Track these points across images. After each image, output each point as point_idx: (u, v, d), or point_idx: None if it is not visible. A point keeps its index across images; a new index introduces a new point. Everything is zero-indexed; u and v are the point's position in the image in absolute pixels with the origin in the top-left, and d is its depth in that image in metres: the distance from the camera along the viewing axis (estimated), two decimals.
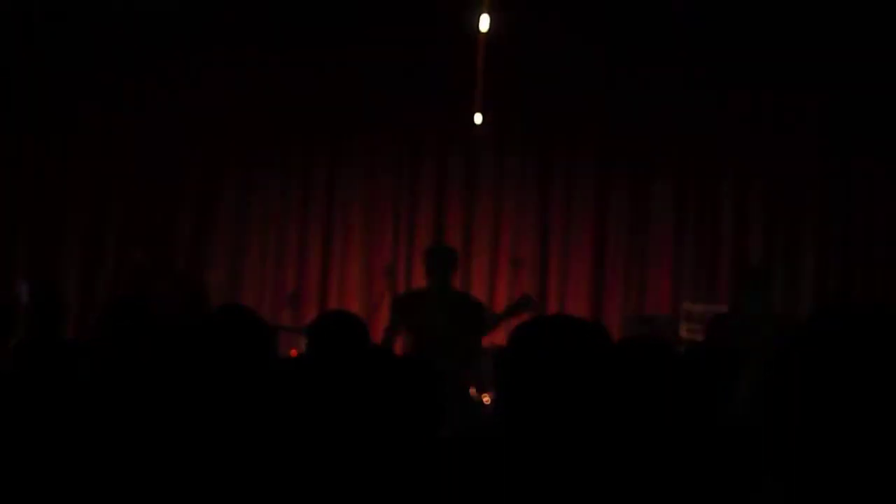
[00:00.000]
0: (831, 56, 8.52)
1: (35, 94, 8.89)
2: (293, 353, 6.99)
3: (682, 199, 9.08)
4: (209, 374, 2.77)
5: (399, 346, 7.04)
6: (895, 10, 8.20)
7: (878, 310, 1.96)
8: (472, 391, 6.59)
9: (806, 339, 2.08)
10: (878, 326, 1.91)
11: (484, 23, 7.14)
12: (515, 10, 7.91)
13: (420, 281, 7.81)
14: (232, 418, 2.74)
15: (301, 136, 9.21)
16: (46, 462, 3.03)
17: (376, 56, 8.80)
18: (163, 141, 9.05)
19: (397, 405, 2.89)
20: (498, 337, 7.03)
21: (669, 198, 9.06)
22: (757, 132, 8.95)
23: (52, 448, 3.07)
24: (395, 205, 9.27)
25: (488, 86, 7.95)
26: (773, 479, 1.95)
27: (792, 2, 8.52)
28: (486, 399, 6.51)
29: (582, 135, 9.13)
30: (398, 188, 9.28)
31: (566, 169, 9.18)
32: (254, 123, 9.06)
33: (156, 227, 8.45)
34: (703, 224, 9.06)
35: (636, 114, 8.91)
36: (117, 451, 2.82)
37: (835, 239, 8.94)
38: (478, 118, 8.41)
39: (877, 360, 1.90)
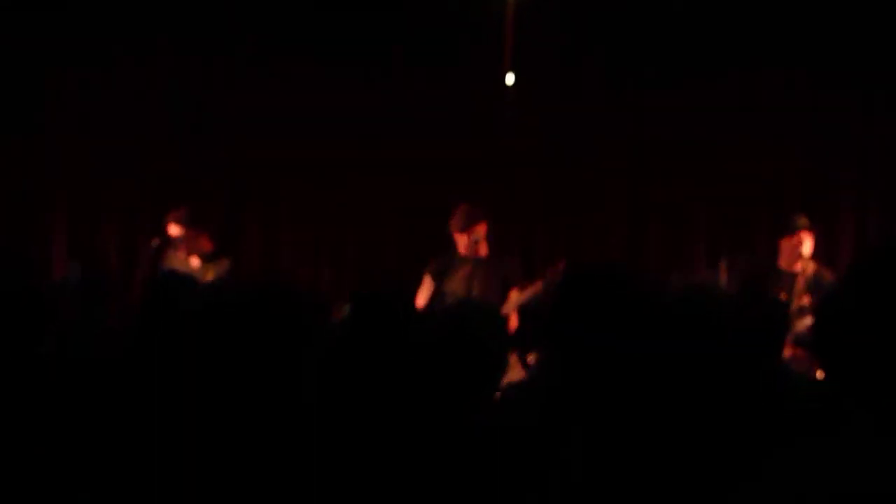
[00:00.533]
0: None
1: (69, 66, 8.95)
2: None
3: (719, 149, 9.00)
4: (257, 345, 2.77)
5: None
6: None
7: None
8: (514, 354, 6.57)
9: (853, 282, 2.04)
10: None
11: None
12: None
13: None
14: (281, 388, 2.74)
15: (332, 97, 9.20)
16: (97, 436, 3.05)
17: (407, 16, 8.79)
18: (197, 110, 9.09)
19: (461, 355, 2.83)
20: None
21: (707, 144, 8.98)
22: (796, 78, 8.86)
23: (101, 422, 3.09)
24: (428, 168, 9.24)
25: (519, 44, 7.93)
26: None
27: None
28: (531, 359, 6.50)
29: (616, 90, 9.05)
30: (430, 149, 9.24)
31: (601, 125, 9.11)
32: (288, 81, 9.06)
33: (191, 200, 8.45)
34: (740, 175, 8.99)
35: (671, 67, 8.85)
36: (165, 424, 2.83)
37: (874, 184, 8.86)
38: (510, 78, 8.38)
39: None
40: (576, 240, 9.14)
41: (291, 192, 9.30)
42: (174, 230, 7.73)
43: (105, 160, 9.07)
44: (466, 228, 6.98)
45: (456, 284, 6.97)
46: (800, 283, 6.92)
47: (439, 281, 7.09)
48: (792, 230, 7.14)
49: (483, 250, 7.01)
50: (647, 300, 2.38)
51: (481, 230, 7.01)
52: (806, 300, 6.80)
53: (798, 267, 7.03)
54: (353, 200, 9.24)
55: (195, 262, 7.68)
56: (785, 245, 7.15)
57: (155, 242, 7.91)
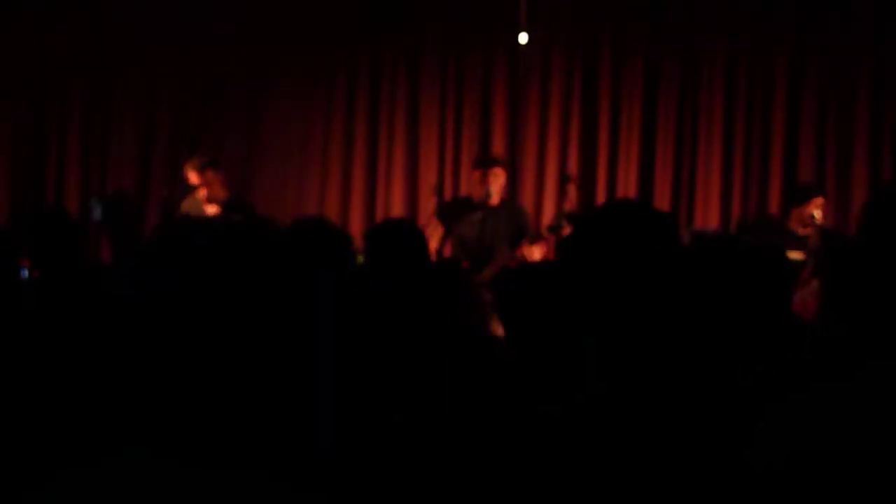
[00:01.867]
0: None
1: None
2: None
3: (732, 110, 8.95)
4: (290, 279, 2.79)
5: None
6: None
7: None
8: None
9: (865, 224, 2.05)
10: None
11: None
12: None
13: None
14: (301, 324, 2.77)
15: (344, 50, 9.19)
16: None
17: None
18: (208, 53, 9.08)
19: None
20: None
21: (719, 108, 8.94)
22: (810, 34, 8.81)
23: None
24: (440, 121, 9.24)
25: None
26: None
27: None
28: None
29: (629, 44, 8.97)
30: (443, 104, 9.23)
31: (613, 80, 9.05)
32: (298, 36, 9.06)
33: (202, 144, 8.48)
34: (753, 135, 8.95)
35: (684, 20, 8.83)
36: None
37: (887, 148, 8.82)
38: (523, 37, 8.36)
39: None
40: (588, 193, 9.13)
41: (306, 141, 9.34)
42: (192, 177, 7.71)
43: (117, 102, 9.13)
44: (485, 168, 7.04)
45: (466, 229, 7.03)
46: (812, 242, 6.94)
47: (448, 224, 7.17)
48: (804, 198, 7.17)
49: (495, 198, 7.07)
50: (665, 236, 2.38)
51: (499, 174, 7.08)
52: None
53: (810, 230, 7.07)
54: (367, 153, 9.28)
55: (212, 209, 7.68)
56: (797, 212, 7.18)
57: (165, 193, 7.95)
